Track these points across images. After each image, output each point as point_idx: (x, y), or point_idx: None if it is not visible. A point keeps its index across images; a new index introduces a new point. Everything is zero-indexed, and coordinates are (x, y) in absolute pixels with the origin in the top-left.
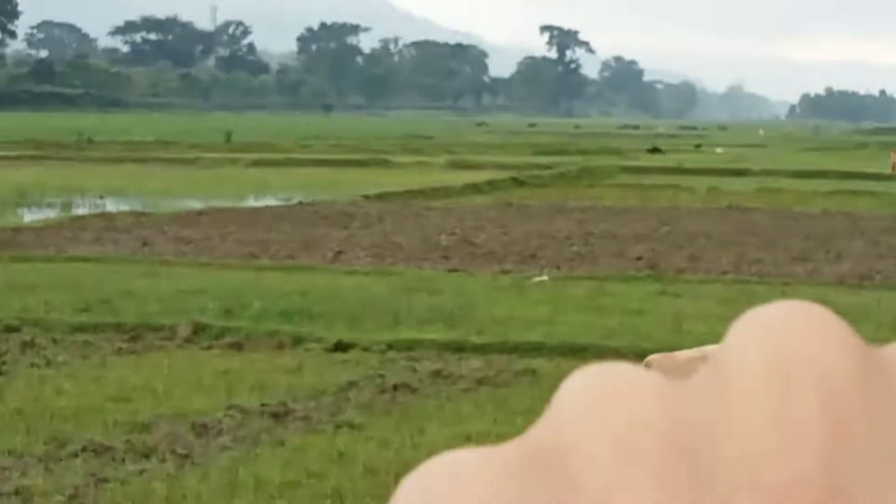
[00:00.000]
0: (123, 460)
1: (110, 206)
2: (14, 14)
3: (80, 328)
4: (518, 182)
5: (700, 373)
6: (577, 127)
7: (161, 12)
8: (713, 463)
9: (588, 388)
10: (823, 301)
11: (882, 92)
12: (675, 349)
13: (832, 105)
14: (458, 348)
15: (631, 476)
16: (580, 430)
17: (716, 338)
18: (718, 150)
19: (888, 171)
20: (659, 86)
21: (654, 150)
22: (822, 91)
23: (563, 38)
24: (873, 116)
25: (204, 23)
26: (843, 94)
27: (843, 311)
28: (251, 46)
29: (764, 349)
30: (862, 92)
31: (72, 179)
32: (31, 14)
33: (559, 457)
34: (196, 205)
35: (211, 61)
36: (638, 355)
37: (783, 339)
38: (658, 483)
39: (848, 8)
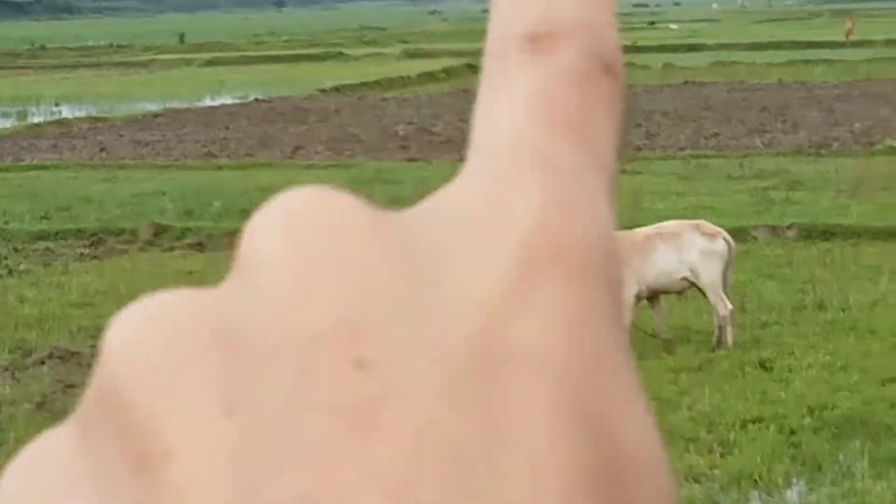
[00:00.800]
0: (90, 365)
1: (66, 112)
2: None
3: (41, 236)
4: (474, 68)
5: (234, 269)
6: None
7: None
8: (250, 339)
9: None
10: (782, 171)
11: None
12: (635, 227)
13: None
14: None
15: (176, 380)
16: (127, 364)
17: (676, 213)
18: (673, 26)
19: (843, 38)
20: None
21: None
22: None
23: None
24: None
25: None
26: None
27: (801, 179)
28: None
29: (280, 225)
30: None
31: (26, 88)
32: None
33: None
34: (152, 107)
35: None
36: None
37: (296, 213)
38: (201, 374)
39: None
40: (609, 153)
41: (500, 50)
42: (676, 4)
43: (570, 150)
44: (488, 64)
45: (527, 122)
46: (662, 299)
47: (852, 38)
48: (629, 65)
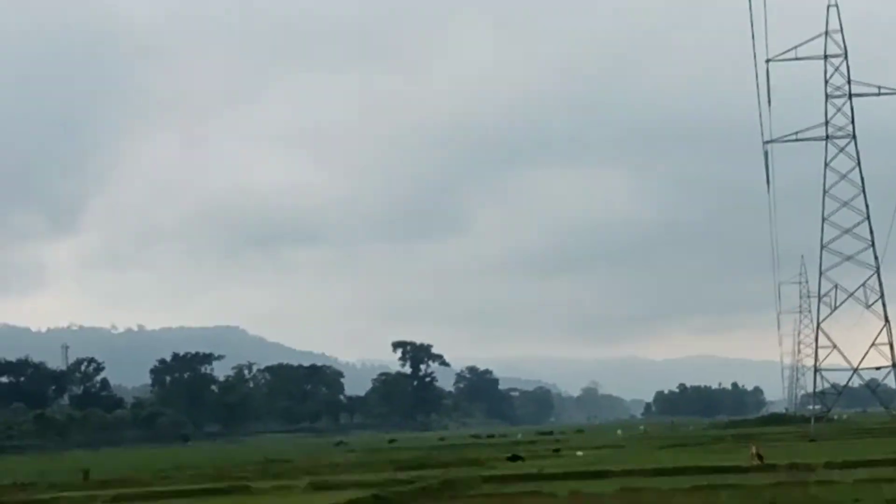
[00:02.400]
0: None
1: None
2: None
3: None
4: (380, 499)
5: None
6: (441, 439)
7: (12, 355)
8: None
9: None
10: None
11: (734, 385)
12: None
13: (686, 400)
14: None
15: None
16: None
17: None
18: (579, 453)
19: (748, 462)
20: (515, 393)
21: (515, 458)
22: (675, 388)
23: (417, 353)
24: (727, 409)
25: (56, 362)
26: (697, 389)
27: None
28: (105, 382)
29: None
30: (714, 386)
31: None
32: None
33: None
34: None
35: (65, 400)
36: None
37: None
38: None
39: (695, 307)
40: None
41: None
42: (579, 431)
43: None
44: None
45: None
46: None
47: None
48: (536, 493)
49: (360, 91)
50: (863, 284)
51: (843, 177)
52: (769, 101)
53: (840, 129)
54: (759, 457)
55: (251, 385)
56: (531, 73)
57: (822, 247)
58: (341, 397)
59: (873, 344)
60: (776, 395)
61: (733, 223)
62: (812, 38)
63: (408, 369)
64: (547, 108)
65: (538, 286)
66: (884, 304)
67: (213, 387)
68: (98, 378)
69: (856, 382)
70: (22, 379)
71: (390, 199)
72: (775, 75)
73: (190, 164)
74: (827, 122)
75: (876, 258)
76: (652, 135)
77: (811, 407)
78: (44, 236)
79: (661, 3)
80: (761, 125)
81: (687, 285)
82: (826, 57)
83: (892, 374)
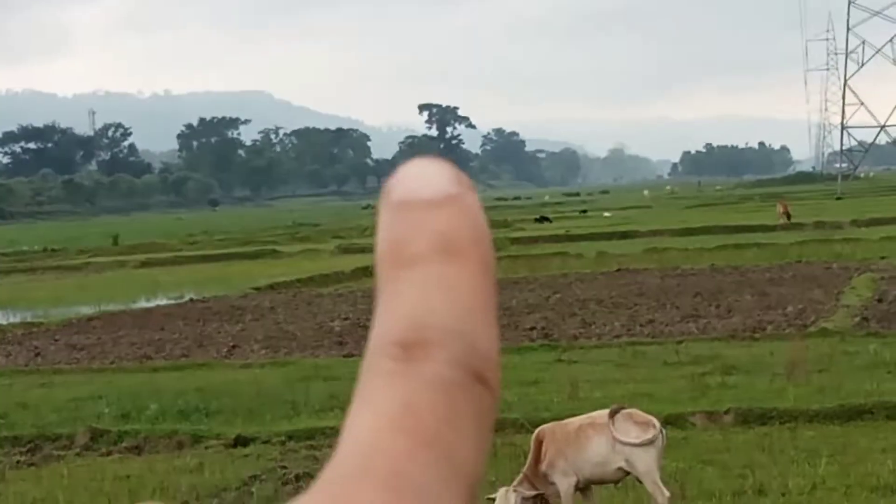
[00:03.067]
0: None
1: (0, 318)
2: None
3: None
4: None
5: None
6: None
7: (39, 121)
8: None
9: None
10: (717, 356)
11: (761, 144)
12: (571, 416)
13: (713, 161)
14: None
15: None
16: None
17: (614, 401)
18: (606, 214)
19: (777, 220)
20: (541, 155)
21: (542, 219)
22: (702, 148)
23: (443, 115)
24: (754, 169)
25: (83, 128)
26: (723, 149)
27: (736, 364)
28: (132, 148)
29: None
30: (741, 146)
31: None
32: None
33: None
34: (87, 311)
35: (93, 166)
36: (535, 424)
37: None
38: None
39: (721, 65)
40: (472, 465)
41: (373, 358)
42: (605, 192)
43: (425, 463)
44: (362, 374)
45: (386, 433)
46: (594, 490)
47: (790, 219)
48: (563, 254)
49: None
50: (891, 40)
51: None
52: None
53: None
54: (787, 215)
55: (278, 149)
56: None
57: (850, 2)
58: (368, 160)
59: None
60: (803, 154)
61: None
62: None
63: (434, 132)
64: None
65: (563, 47)
66: None
67: (241, 151)
68: (125, 143)
69: (883, 140)
70: (49, 145)
71: None
72: None
73: None
74: None
75: None
76: None
77: (838, 165)
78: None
79: None
80: None
81: (712, 43)
82: None
83: None
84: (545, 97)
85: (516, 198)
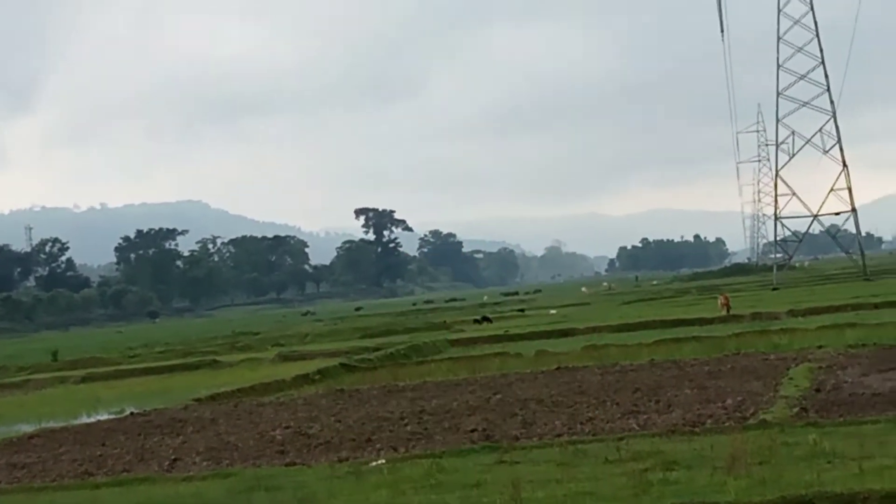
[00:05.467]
0: None
1: None
2: None
3: None
4: (348, 367)
5: None
6: (425, 302)
7: None
8: None
9: None
10: (658, 451)
11: (696, 237)
12: None
13: (649, 255)
14: None
15: None
16: None
17: (556, 501)
18: (552, 311)
19: (718, 312)
20: (479, 255)
21: (483, 320)
22: (638, 242)
23: (380, 219)
24: (690, 262)
25: (20, 244)
26: (659, 243)
27: (677, 459)
28: (70, 262)
29: None
30: (677, 239)
31: None
32: None
33: None
34: (27, 428)
35: (31, 282)
36: None
37: None
38: None
39: (654, 160)
40: None
41: None
42: (537, 291)
43: None
44: None
45: None
46: None
47: (730, 312)
48: (502, 354)
49: None
50: (819, 130)
51: (797, 22)
52: None
53: None
54: (728, 307)
55: (216, 259)
56: None
57: (779, 94)
58: (306, 267)
59: (832, 189)
60: (738, 246)
61: (689, 74)
62: None
63: (371, 236)
64: None
65: (496, 147)
66: (841, 149)
67: (179, 262)
68: (63, 258)
69: (816, 229)
70: None
71: (346, 65)
72: None
73: (146, 38)
74: None
75: (832, 102)
76: None
77: (773, 256)
78: (2, 116)
79: None
80: None
81: (645, 138)
82: None
83: (851, 218)
84: (480, 197)
85: (452, 299)
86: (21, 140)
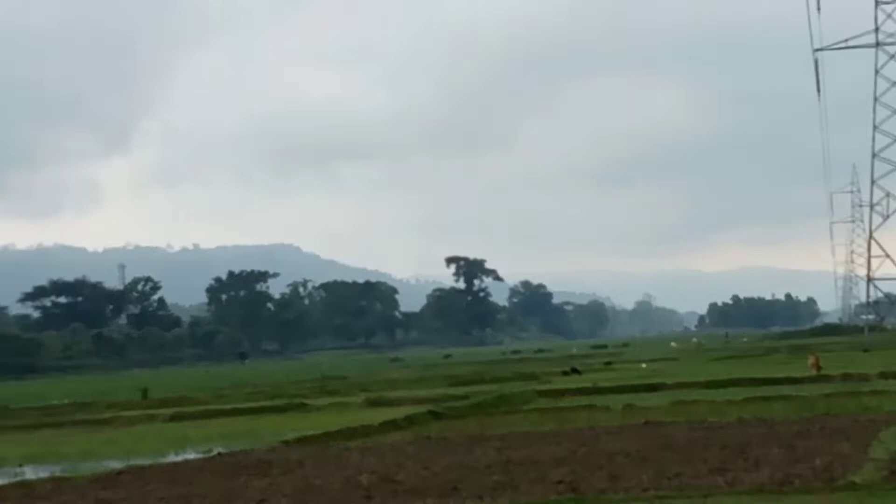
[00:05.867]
0: None
1: (29, 473)
2: None
3: None
4: (436, 415)
5: None
6: (513, 352)
7: (69, 275)
8: None
9: None
10: None
11: (787, 295)
12: None
13: (740, 312)
14: None
15: None
16: None
17: None
18: (643, 365)
19: (808, 372)
20: (569, 307)
21: (573, 371)
22: (728, 299)
23: (470, 268)
24: (781, 320)
25: (113, 282)
26: (750, 301)
27: None
28: (161, 301)
29: None
30: (768, 297)
31: None
32: None
33: None
34: (116, 465)
35: (122, 319)
36: None
37: None
38: None
39: (748, 218)
40: None
41: None
42: (626, 345)
43: None
44: None
45: None
46: None
47: (820, 371)
48: (590, 406)
49: (411, 8)
50: None
51: (894, 84)
52: (818, 8)
53: (890, 35)
54: (818, 367)
55: (306, 302)
56: None
57: (874, 155)
58: (396, 313)
59: None
60: (830, 306)
61: (784, 133)
62: None
63: (462, 284)
64: (590, 18)
65: (590, 199)
66: None
67: (269, 304)
68: (155, 297)
69: None
70: (80, 299)
71: (440, 115)
72: None
73: (242, 81)
74: (877, 29)
75: None
76: (699, 45)
77: (865, 317)
78: (98, 156)
79: None
80: (811, 33)
81: (739, 196)
82: None
83: None
84: (571, 248)
85: (540, 350)
86: (116, 180)
